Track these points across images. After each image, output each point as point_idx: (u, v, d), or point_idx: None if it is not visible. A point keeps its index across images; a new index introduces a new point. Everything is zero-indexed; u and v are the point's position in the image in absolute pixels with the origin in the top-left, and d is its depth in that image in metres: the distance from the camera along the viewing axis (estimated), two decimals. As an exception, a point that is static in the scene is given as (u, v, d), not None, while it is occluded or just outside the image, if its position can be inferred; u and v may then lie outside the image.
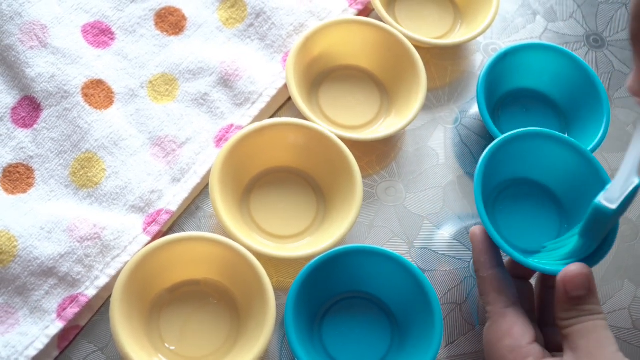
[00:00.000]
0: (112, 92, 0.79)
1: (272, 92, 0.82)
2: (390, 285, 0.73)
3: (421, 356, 0.68)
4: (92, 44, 0.81)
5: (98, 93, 0.78)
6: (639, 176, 0.64)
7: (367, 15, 0.90)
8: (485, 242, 0.70)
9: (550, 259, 0.71)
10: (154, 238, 0.74)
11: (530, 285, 0.73)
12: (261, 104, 0.82)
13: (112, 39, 0.83)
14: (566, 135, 0.79)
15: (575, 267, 0.64)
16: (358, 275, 0.73)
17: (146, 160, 0.77)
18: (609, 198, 0.64)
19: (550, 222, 0.77)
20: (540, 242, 0.75)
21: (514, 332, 0.64)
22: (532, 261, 0.69)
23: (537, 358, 0.63)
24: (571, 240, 0.70)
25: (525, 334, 0.64)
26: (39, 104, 0.77)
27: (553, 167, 0.77)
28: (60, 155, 0.76)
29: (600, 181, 0.73)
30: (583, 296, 0.63)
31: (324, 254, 0.71)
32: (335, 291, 0.74)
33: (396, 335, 0.73)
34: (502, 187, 0.78)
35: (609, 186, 0.65)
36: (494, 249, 0.70)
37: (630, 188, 0.64)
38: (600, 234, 0.67)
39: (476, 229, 0.71)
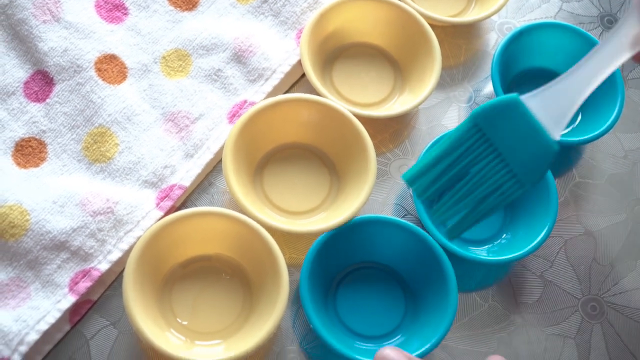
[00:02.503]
0: (125, 67, 0.79)
1: (286, 68, 0.82)
2: (405, 255, 0.73)
3: (435, 326, 0.68)
4: (105, 18, 0.81)
5: (111, 68, 0.78)
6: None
7: (382, -7, 0.90)
8: None
9: None
10: (167, 213, 0.74)
11: None
12: (274, 81, 0.81)
13: (125, 14, 0.82)
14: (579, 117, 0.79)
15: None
16: (372, 245, 0.73)
17: (159, 136, 0.77)
18: (533, 104, 0.59)
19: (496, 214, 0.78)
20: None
21: None
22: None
23: None
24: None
25: None
26: (52, 78, 0.77)
27: None
28: (72, 130, 0.76)
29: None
30: None
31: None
32: (349, 261, 0.74)
33: (410, 305, 0.73)
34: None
35: (541, 91, 0.60)
36: None
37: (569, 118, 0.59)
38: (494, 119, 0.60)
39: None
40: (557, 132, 0.58)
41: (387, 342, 0.72)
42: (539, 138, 0.58)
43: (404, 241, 0.72)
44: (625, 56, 0.57)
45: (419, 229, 0.71)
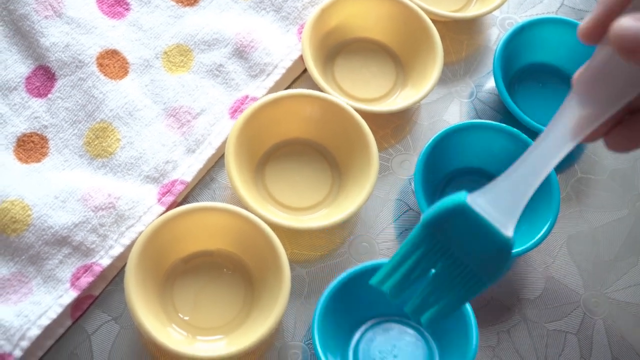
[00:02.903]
0: (127, 63, 0.79)
1: (288, 63, 0.82)
2: None
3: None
4: (107, 14, 0.81)
5: (113, 63, 0.78)
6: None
7: (384, -12, 0.90)
8: None
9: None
10: (169, 208, 0.74)
11: None
12: (276, 76, 0.81)
13: (127, 9, 0.82)
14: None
15: None
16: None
17: (161, 131, 0.77)
18: (482, 203, 0.55)
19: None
20: None
21: None
22: None
23: None
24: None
25: None
26: (54, 73, 0.77)
27: (494, 155, 0.78)
28: (74, 125, 0.76)
29: None
30: None
31: (356, 268, 0.70)
32: (368, 314, 0.72)
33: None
34: (448, 177, 0.80)
35: (490, 188, 0.56)
36: None
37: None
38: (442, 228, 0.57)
39: None
40: (510, 227, 0.55)
41: None
42: (492, 238, 0.55)
43: None
44: (568, 147, 0.54)
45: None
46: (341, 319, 0.70)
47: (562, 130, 0.53)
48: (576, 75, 0.55)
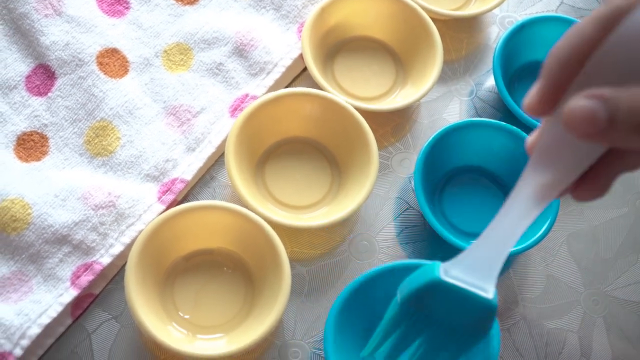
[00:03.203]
0: (127, 61, 0.79)
1: (287, 62, 0.82)
2: None
3: None
4: (107, 12, 0.81)
5: (113, 62, 0.78)
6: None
7: (383, -13, 0.90)
8: None
9: None
10: (169, 207, 0.74)
11: None
12: (276, 74, 0.81)
13: (127, 8, 0.82)
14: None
15: None
16: None
17: (161, 130, 0.77)
18: (456, 273, 0.55)
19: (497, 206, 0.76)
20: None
21: None
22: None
23: None
24: None
25: None
26: (54, 72, 0.77)
27: (493, 153, 0.79)
28: (74, 124, 0.76)
29: None
30: None
31: (369, 272, 0.69)
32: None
33: None
34: (448, 176, 0.80)
35: (462, 257, 0.55)
36: None
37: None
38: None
39: None
40: (490, 289, 0.55)
41: None
42: (473, 303, 0.55)
43: None
44: (536, 212, 0.53)
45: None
46: (355, 332, 0.69)
47: (527, 198, 0.53)
48: (529, 143, 0.54)
